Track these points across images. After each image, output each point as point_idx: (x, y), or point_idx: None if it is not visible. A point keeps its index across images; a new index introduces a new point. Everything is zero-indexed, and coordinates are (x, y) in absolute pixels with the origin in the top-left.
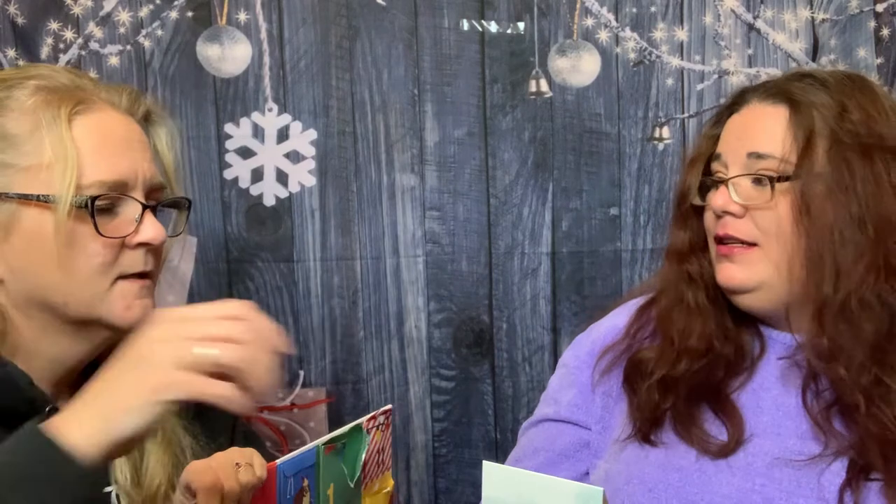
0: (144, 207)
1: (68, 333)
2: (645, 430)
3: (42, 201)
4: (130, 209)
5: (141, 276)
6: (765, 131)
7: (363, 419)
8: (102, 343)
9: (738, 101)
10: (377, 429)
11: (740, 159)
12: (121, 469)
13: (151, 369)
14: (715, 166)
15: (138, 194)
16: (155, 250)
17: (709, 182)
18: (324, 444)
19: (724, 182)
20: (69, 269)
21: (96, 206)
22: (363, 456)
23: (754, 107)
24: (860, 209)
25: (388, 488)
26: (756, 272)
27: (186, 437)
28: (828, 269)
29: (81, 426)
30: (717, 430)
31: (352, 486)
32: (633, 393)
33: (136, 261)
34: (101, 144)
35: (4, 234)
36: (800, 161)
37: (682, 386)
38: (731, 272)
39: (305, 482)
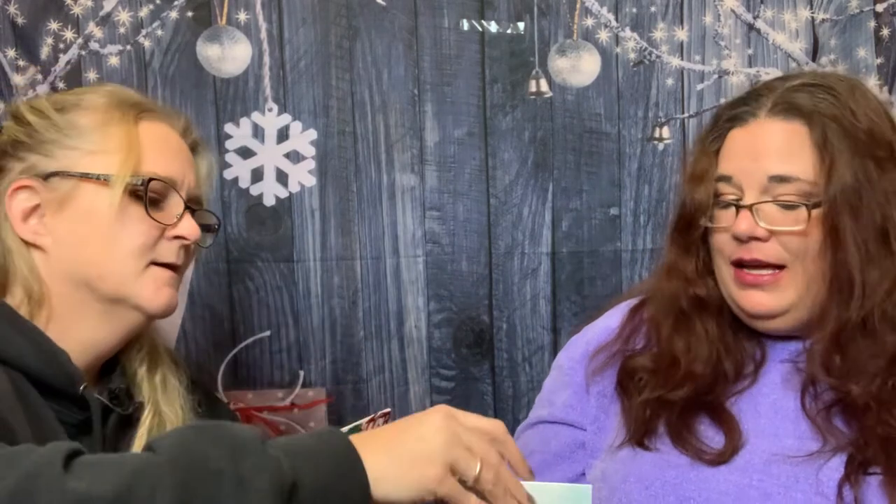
0: (186, 207)
1: (98, 313)
2: (638, 437)
3: (101, 180)
4: (174, 205)
5: (171, 267)
6: (785, 152)
7: (363, 421)
8: (127, 330)
9: (741, 115)
10: None
11: (759, 183)
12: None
13: (430, 459)
14: (723, 187)
15: (183, 195)
16: (187, 248)
17: (721, 204)
18: None
19: (743, 207)
20: (112, 244)
21: (148, 193)
22: None
23: (764, 123)
24: (885, 222)
25: None
26: (785, 296)
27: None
28: (857, 288)
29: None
30: (713, 436)
31: None
32: (626, 399)
33: (170, 251)
34: (160, 146)
35: (58, 207)
36: (828, 182)
37: (678, 403)
38: (759, 299)
39: None
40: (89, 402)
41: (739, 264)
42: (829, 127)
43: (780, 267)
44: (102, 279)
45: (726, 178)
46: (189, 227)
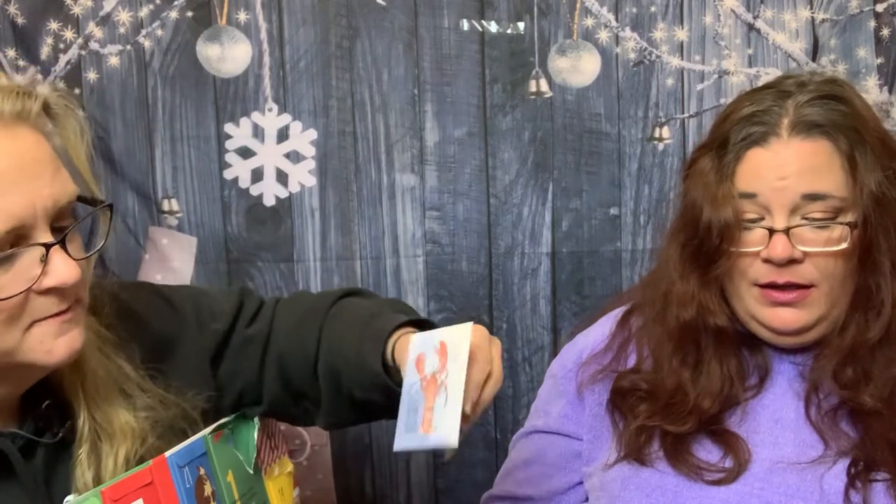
0: (48, 247)
1: (2, 373)
2: (634, 456)
3: None
4: (32, 252)
5: (58, 314)
6: (815, 170)
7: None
8: (38, 376)
9: (759, 135)
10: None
11: (789, 202)
12: (82, 474)
13: None
14: (745, 205)
15: (41, 230)
16: (70, 288)
17: (743, 226)
18: (210, 432)
19: (778, 231)
20: None
21: None
22: (255, 441)
23: (788, 143)
24: None
25: (289, 469)
26: (814, 312)
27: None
28: (887, 306)
29: None
30: (712, 451)
31: (251, 471)
32: (619, 419)
33: (48, 305)
34: None
35: None
36: (860, 195)
37: (677, 433)
38: (788, 317)
39: (202, 471)
40: (5, 452)
41: (769, 286)
42: (851, 138)
43: (812, 286)
44: None
45: (750, 196)
46: (61, 272)
